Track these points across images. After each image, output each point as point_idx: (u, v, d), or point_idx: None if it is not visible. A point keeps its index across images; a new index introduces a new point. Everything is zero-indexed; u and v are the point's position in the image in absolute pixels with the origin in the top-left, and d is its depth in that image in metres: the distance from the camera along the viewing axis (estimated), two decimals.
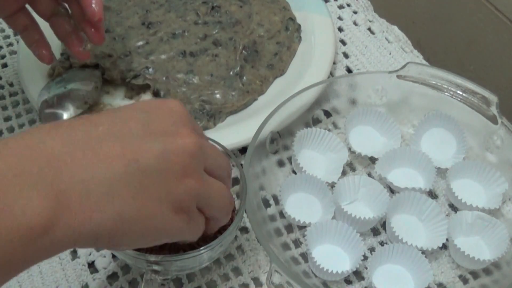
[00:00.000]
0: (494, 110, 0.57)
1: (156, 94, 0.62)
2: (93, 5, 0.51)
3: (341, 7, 0.76)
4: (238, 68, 0.64)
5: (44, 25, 0.57)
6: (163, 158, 0.35)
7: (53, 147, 0.32)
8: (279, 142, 0.59)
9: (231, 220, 0.48)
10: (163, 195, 0.35)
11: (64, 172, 0.32)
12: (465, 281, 0.53)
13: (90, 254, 0.53)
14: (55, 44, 0.59)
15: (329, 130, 0.61)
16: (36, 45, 0.57)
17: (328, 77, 0.65)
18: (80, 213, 0.32)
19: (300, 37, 0.69)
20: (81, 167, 0.32)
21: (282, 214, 0.55)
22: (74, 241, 0.32)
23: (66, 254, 0.53)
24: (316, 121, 0.62)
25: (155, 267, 0.44)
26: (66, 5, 0.56)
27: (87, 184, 0.32)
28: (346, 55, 0.71)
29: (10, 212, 0.30)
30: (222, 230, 0.47)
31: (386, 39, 0.72)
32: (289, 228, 0.55)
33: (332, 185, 0.56)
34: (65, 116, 0.57)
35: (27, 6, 0.56)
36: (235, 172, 0.50)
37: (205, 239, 0.47)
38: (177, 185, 0.36)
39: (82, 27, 0.55)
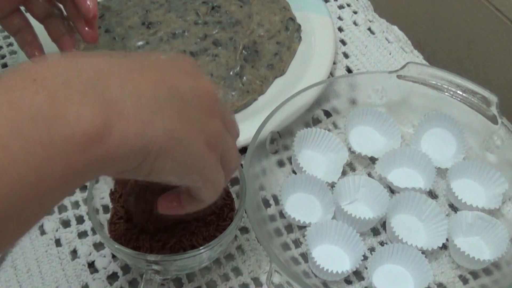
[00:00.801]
0: (494, 110, 0.57)
1: None
2: (88, 2, 0.52)
3: (341, 7, 0.76)
4: (238, 68, 0.64)
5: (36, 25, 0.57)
6: (195, 91, 0.36)
7: (99, 64, 0.32)
8: (279, 142, 0.59)
9: (231, 220, 0.48)
10: (200, 125, 0.36)
11: (114, 85, 0.31)
12: (465, 281, 0.53)
13: (90, 254, 0.53)
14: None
15: (329, 130, 0.61)
16: (29, 46, 0.56)
17: (328, 77, 0.65)
18: (134, 123, 0.31)
19: (300, 37, 0.69)
20: (129, 81, 0.32)
21: (282, 214, 0.55)
22: (127, 155, 0.31)
23: (66, 254, 0.53)
24: (316, 121, 0.62)
25: (155, 267, 0.44)
26: (61, 6, 0.56)
27: (138, 98, 0.32)
28: (346, 55, 0.71)
29: (63, 119, 0.29)
30: (222, 229, 0.47)
31: (386, 39, 0.72)
32: (289, 228, 0.55)
33: (332, 185, 0.56)
34: None
35: (22, 8, 0.56)
36: (235, 172, 0.50)
37: (205, 239, 0.47)
38: (208, 121, 0.36)
39: (77, 26, 0.55)
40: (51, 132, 0.28)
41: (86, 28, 0.54)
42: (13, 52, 0.69)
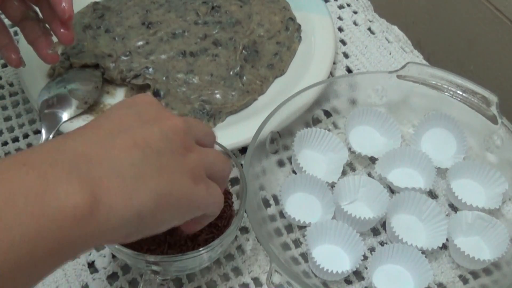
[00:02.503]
0: (494, 110, 0.57)
1: (156, 94, 0.62)
2: (63, 4, 0.51)
3: (341, 7, 0.76)
4: (238, 68, 0.64)
5: None
6: (165, 138, 0.37)
7: (75, 147, 0.34)
8: (279, 142, 0.59)
9: (231, 220, 0.48)
10: (180, 168, 0.37)
11: (94, 163, 0.33)
12: (465, 281, 0.53)
13: (90, 254, 0.53)
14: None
15: (329, 130, 0.61)
16: (5, 49, 0.56)
17: (328, 77, 0.65)
18: (120, 195, 0.33)
19: (300, 37, 0.69)
20: (107, 158, 0.34)
21: (282, 214, 0.55)
22: (120, 225, 0.34)
23: None
24: (316, 121, 0.62)
25: (155, 268, 0.44)
26: (36, 9, 0.55)
27: (118, 171, 0.34)
28: (346, 55, 0.71)
29: (54, 194, 0.31)
30: (222, 230, 0.47)
31: (386, 39, 0.72)
32: (289, 228, 0.55)
33: (332, 185, 0.56)
34: (65, 116, 0.57)
35: None
36: (235, 172, 0.50)
37: (206, 240, 0.47)
38: (186, 158, 0.38)
39: (52, 28, 0.55)
40: (42, 206, 0.30)
41: (62, 30, 0.54)
42: None
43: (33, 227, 0.30)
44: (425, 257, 0.51)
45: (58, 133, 0.59)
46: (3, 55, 0.57)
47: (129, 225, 0.34)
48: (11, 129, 0.63)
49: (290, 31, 0.69)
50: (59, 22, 0.53)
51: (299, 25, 0.70)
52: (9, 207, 0.30)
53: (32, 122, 0.63)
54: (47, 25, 0.55)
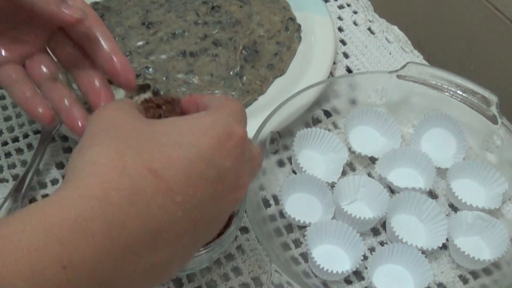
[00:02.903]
0: (494, 110, 0.57)
1: (156, 94, 0.62)
2: (128, 76, 0.45)
3: (341, 7, 0.76)
4: (238, 68, 0.64)
5: None
6: (219, 218, 0.36)
7: (135, 236, 0.30)
8: (279, 142, 0.59)
9: (231, 220, 0.48)
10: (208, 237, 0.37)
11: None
12: (465, 281, 0.53)
13: None
14: None
15: (329, 130, 0.61)
16: (28, 103, 0.46)
17: (328, 77, 0.65)
18: None
19: (300, 37, 0.69)
20: (149, 256, 0.31)
21: (282, 214, 0.55)
22: None
23: None
24: (316, 121, 0.62)
25: None
26: (66, 72, 0.48)
27: (149, 271, 0.32)
28: (346, 55, 0.71)
29: None
30: (222, 230, 0.47)
31: (386, 39, 0.72)
32: (289, 228, 0.55)
33: (332, 185, 0.56)
34: None
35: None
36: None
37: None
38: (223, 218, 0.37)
39: (91, 100, 0.47)
40: None
41: (103, 104, 0.46)
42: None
43: None
44: (425, 257, 0.51)
45: (58, 133, 0.59)
46: (27, 110, 0.47)
47: None
48: (11, 129, 0.63)
49: (290, 31, 0.69)
50: (101, 94, 0.47)
51: (299, 25, 0.70)
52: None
53: (32, 122, 0.63)
54: (77, 94, 0.48)
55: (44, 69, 0.47)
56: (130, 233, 0.30)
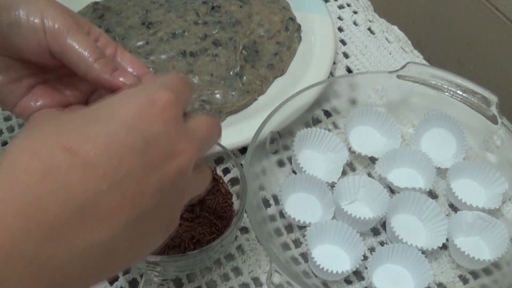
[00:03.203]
0: (494, 110, 0.57)
1: None
2: None
3: (341, 7, 0.76)
4: (238, 68, 0.64)
5: None
6: (161, 194, 0.33)
7: (55, 215, 0.29)
8: (279, 142, 0.59)
9: (231, 220, 0.48)
10: (162, 226, 0.34)
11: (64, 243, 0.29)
12: (465, 281, 0.53)
13: None
14: None
15: (329, 130, 0.61)
16: None
17: (328, 77, 0.65)
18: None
19: (300, 37, 0.69)
20: (83, 233, 0.29)
21: (282, 214, 0.55)
22: None
23: None
24: (316, 121, 0.62)
25: (155, 268, 0.44)
26: None
27: (88, 252, 0.30)
28: (346, 55, 0.71)
29: None
30: (222, 230, 0.47)
31: (386, 39, 0.72)
32: (289, 228, 0.55)
33: (332, 185, 0.56)
34: None
35: None
36: (235, 172, 0.50)
37: (206, 240, 0.47)
38: (176, 208, 0.35)
39: None
40: None
41: None
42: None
43: None
44: (425, 257, 0.51)
45: None
46: None
47: None
48: (11, 129, 0.63)
49: (290, 31, 0.69)
50: None
51: (299, 25, 0.70)
52: None
53: None
54: None
55: None
56: (48, 211, 0.28)
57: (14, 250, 0.27)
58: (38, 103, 0.43)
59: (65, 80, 0.44)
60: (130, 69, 0.43)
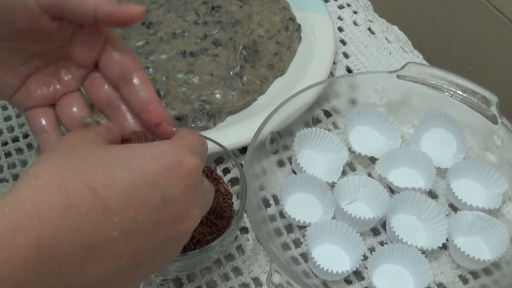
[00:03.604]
0: (494, 110, 0.57)
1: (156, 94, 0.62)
2: (163, 125, 0.42)
3: (341, 7, 0.76)
4: (238, 68, 0.64)
5: None
6: (162, 247, 0.35)
7: (53, 243, 0.30)
8: (279, 142, 0.59)
9: (231, 220, 0.48)
10: (156, 268, 0.36)
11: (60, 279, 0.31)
12: (465, 281, 0.53)
13: None
14: None
15: (329, 130, 0.61)
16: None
17: (328, 77, 0.65)
18: None
19: (300, 37, 0.69)
20: (79, 272, 0.31)
21: (282, 214, 0.55)
22: None
23: None
24: (316, 121, 0.62)
25: None
26: (98, 119, 0.45)
27: (81, 286, 0.31)
28: (346, 55, 0.71)
29: None
30: (222, 230, 0.47)
31: (386, 39, 0.72)
32: (289, 228, 0.55)
33: (332, 185, 0.56)
34: None
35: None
36: (235, 172, 0.50)
37: (206, 240, 0.47)
38: (173, 256, 0.38)
39: None
40: None
41: None
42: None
43: None
44: (425, 257, 0.51)
45: None
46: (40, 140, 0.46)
47: None
48: (11, 129, 0.63)
49: (290, 31, 0.69)
50: None
51: (299, 25, 0.70)
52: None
53: None
54: None
55: (76, 111, 0.45)
56: (60, 246, 0.30)
57: (24, 278, 0.29)
58: (34, 94, 0.44)
59: (58, 65, 0.44)
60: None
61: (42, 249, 0.29)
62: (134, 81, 0.43)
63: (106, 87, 0.45)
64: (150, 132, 0.43)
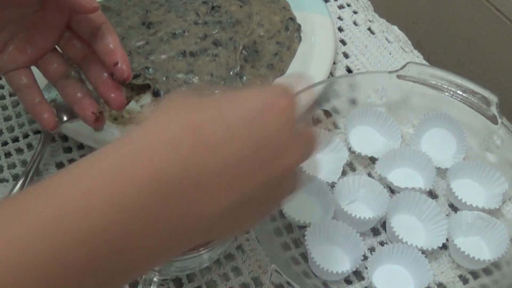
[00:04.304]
0: (494, 110, 0.57)
1: (156, 94, 0.62)
2: (122, 66, 0.48)
3: (341, 7, 0.76)
4: (238, 68, 0.64)
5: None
6: (267, 187, 0.36)
7: (192, 168, 0.33)
8: None
9: None
10: (258, 215, 0.39)
11: (200, 190, 0.33)
12: (465, 281, 0.53)
13: None
14: None
15: (329, 130, 0.61)
16: (36, 108, 0.51)
17: (328, 77, 0.65)
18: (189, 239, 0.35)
19: (300, 37, 0.69)
20: (208, 194, 0.33)
21: (282, 214, 0.55)
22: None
23: None
24: (316, 121, 0.62)
25: (154, 268, 0.44)
26: (78, 69, 0.52)
27: (196, 221, 0.34)
28: (346, 55, 0.71)
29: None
30: None
31: (386, 39, 0.72)
32: (289, 228, 0.55)
33: (332, 185, 0.56)
34: (65, 117, 0.57)
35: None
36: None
37: (207, 241, 0.47)
38: (273, 203, 0.39)
39: (100, 92, 0.51)
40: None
41: (113, 95, 0.50)
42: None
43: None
44: (425, 257, 0.51)
45: (59, 133, 0.59)
46: (34, 114, 0.52)
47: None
48: (11, 129, 0.63)
49: (290, 31, 0.69)
50: (109, 85, 0.50)
51: (299, 25, 0.70)
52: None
53: (32, 122, 0.63)
54: (89, 87, 0.52)
55: (57, 67, 0.52)
56: (171, 180, 0.32)
57: (143, 205, 0.31)
58: (14, 58, 0.50)
59: (32, 30, 0.50)
60: None
61: (155, 183, 0.32)
62: (101, 31, 0.49)
63: (78, 43, 0.51)
64: None
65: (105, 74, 0.51)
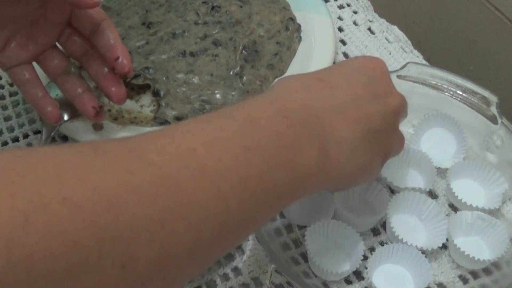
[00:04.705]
0: (494, 110, 0.57)
1: (156, 94, 0.62)
2: (123, 60, 0.49)
3: (341, 7, 0.76)
4: (238, 68, 0.64)
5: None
6: (384, 119, 0.44)
7: (314, 107, 0.41)
8: None
9: None
10: (382, 150, 0.45)
11: (325, 128, 0.40)
12: (465, 281, 0.53)
13: None
14: None
15: None
16: (39, 102, 0.52)
17: None
18: (336, 164, 0.41)
19: (300, 37, 0.69)
20: (334, 129, 0.41)
21: (282, 214, 0.55)
22: (325, 184, 0.41)
23: None
24: None
25: None
26: (78, 65, 0.54)
27: (339, 143, 0.41)
28: (346, 55, 0.71)
29: (300, 157, 0.38)
30: None
31: (386, 39, 0.72)
32: (289, 228, 0.55)
33: None
34: (66, 116, 0.57)
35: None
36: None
37: None
38: (391, 140, 0.46)
39: (101, 86, 0.52)
40: (292, 163, 0.38)
41: (113, 89, 0.51)
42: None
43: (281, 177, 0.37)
44: (425, 257, 0.51)
45: (59, 133, 0.59)
46: (38, 108, 0.53)
47: (331, 185, 0.43)
48: (11, 129, 0.63)
49: (290, 31, 0.69)
50: (110, 79, 0.51)
51: (299, 25, 0.70)
52: (260, 147, 0.36)
53: (32, 122, 0.63)
54: (87, 83, 0.54)
55: (58, 64, 0.53)
56: (312, 112, 0.41)
57: (304, 120, 0.40)
58: (16, 55, 0.51)
59: (34, 27, 0.51)
60: None
61: (308, 109, 0.40)
62: (102, 27, 0.50)
63: (79, 39, 0.53)
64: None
65: (106, 69, 0.52)
